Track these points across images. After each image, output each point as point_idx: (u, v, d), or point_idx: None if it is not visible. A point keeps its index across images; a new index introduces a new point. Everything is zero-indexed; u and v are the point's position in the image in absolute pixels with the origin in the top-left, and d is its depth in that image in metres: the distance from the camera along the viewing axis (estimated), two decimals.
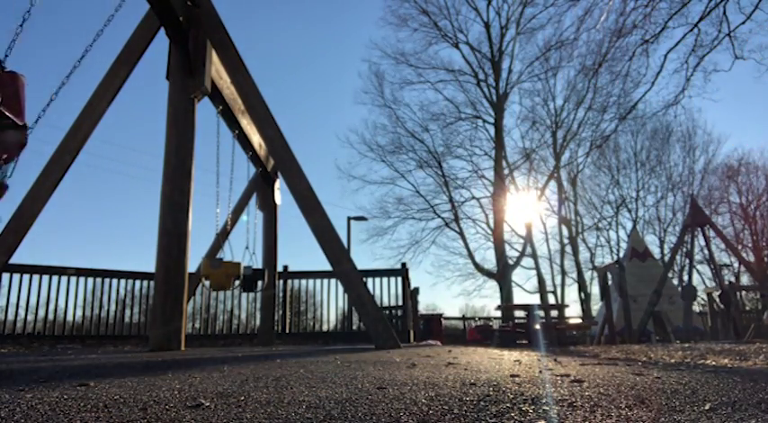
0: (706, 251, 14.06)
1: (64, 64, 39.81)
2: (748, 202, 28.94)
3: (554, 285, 27.68)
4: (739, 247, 25.80)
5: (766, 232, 28.71)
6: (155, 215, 4.42)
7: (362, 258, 42.64)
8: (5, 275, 6.89)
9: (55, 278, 7.47)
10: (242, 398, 1.21)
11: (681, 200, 28.46)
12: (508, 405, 1.10)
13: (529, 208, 25.60)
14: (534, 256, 25.36)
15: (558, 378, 1.58)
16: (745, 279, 22.84)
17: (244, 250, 5.89)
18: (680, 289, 12.58)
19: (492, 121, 23.74)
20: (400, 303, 8.80)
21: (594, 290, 25.62)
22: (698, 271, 24.39)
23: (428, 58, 24.52)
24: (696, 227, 11.45)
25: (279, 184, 7.16)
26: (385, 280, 8.75)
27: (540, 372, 1.80)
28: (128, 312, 8.56)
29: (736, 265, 23.83)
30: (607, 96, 21.16)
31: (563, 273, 27.82)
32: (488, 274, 23.61)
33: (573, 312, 25.56)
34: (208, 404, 1.13)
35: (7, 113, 2.77)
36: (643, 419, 0.97)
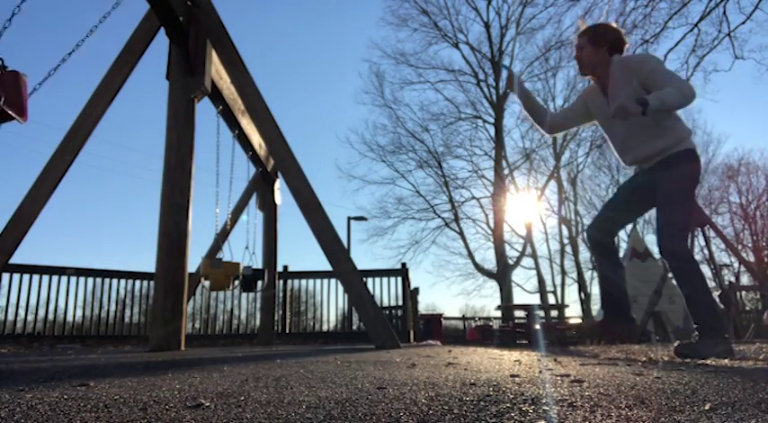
0: (706, 251, 14.04)
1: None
2: (748, 202, 28.97)
3: (554, 285, 27.71)
4: (739, 247, 25.80)
5: (766, 232, 28.73)
6: (155, 215, 4.42)
7: (362, 258, 42.71)
8: (5, 275, 6.90)
9: (55, 278, 7.48)
10: (242, 398, 1.21)
11: None
12: (508, 405, 1.10)
13: (529, 208, 25.60)
14: (534, 256, 25.39)
15: (558, 378, 1.58)
16: (745, 279, 22.84)
17: (244, 250, 5.89)
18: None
19: (492, 121, 23.77)
20: (400, 303, 8.80)
21: (594, 290, 25.65)
22: None
23: (428, 58, 24.63)
24: (696, 227, 11.44)
25: (279, 184, 7.16)
26: (385, 280, 8.76)
27: (540, 372, 1.80)
28: (128, 312, 8.57)
29: (736, 265, 23.82)
30: None
31: (563, 273, 27.84)
32: (488, 274, 23.63)
33: (573, 312, 25.58)
34: (208, 404, 1.13)
35: (10, 112, 2.78)
36: (643, 419, 0.97)
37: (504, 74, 3.45)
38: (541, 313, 9.22)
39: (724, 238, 12.35)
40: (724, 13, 10.05)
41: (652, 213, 3.13)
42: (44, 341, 7.05)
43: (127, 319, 8.56)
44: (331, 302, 8.73)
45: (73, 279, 7.58)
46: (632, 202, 3.11)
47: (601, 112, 3.12)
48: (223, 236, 5.98)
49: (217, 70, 4.87)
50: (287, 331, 8.51)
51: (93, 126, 4.79)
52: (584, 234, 3.30)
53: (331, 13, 44.34)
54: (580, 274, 26.87)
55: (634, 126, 2.95)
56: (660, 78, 2.80)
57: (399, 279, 8.75)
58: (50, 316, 7.51)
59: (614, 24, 3.23)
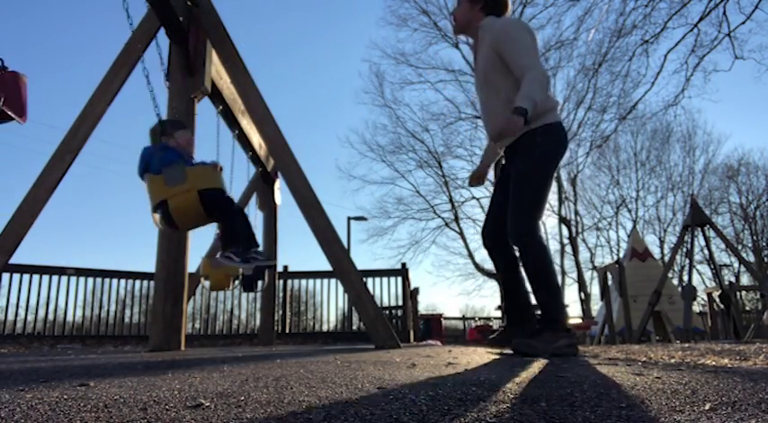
0: (706, 251, 14.07)
1: (62, 63, 39.79)
2: (748, 202, 28.99)
3: None
4: (739, 247, 25.82)
5: (766, 232, 28.73)
6: None
7: (362, 258, 42.77)
8: (5, 275, 6.90)
9: (55, 278, 7.48)
10: (242, 398, 1.21)
11: (681, 200, 28.55)
12: (508, 405, 1.10)
13: None
14: None
15: (558, 378, 1.58)
16: (745, 279, 22.85)
17: None
18: (680, 289, 12.59)
19: None
20: (400, 303, 8.81)
21: (594, 290, 25.69)
22: (698, 271, 24.46)
23: (428, 58, 24.68)
24: (696, 227, 11.45)
25: (279, 184, 7.16)
26: (385, 280, 8.76)
27: (540, 372, 1.80)
28: (128, 312, 8.58)
29: (736, 265, 23.83)
30: (607, 96, 21.21)
31: (563, 273, 27.86)
32: (488, 274, 23.64)
33: (573, 312, 25.59)
34: (208, 404, 1.13)
35: (9, 112, 2.78)
36: (643, 419, 0.97)
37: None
38: None
39: (724, 238, 12.36)
40: (724, 13, 10.07)
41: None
42: (44, 341, 7.05)
43: (127, 319, 8.57)
44: (331, 302, 8.75)
45: (73, 279, 7.59)
46: (507, 194, 2.79)
47: (475, 76, 2.91)
48: None
49: (217, 70, 4.86)
50: (287, 331, 8.51)
51: (93, 126, 4.79)
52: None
53: (331, 12, 44.38)
54: (580, 274, 26.90)
55: (488, 99, 2.69)
56: (513, 51, 2.57)
57: (399, 279, 8.75)
58: (50, 316, 7.52)
59: None
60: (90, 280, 7.76)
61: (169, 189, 3.00)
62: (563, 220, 27.33)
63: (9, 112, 2.79)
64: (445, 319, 17.49)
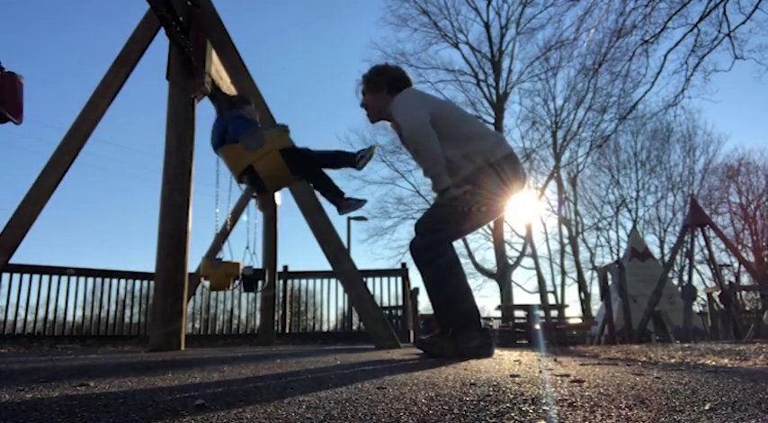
0: (706, 251, 14.07)
1: (62, 63, 39.81)
2: (748, 202, 28.99)
3: (554, 285, 27.72)
4: (739, 247, 25.82)
5: (766, 232, 28.72)
6: (155, 215, 4.43)
7: (362, 258, 42.78)
8: (5, 275, 6.90)
9: (55, 278, 7.47)
10: (242, 398, 1.21)
11: (681, 200, 28.53)
12: (508, 405, 1.10)
13: (529, 208, 25.62)
14: (534, 256, 25.39)
15: (558, 378, 1.58)
16: (745, 279, 22.85)
17: (244, 250, 5.88)
18: (680, 289, 12.58)
19: (492, 121, 23.74)
20: (400, 303, 8.80)
21: (594, 290, 25.70)
22: (698, 271, 24.44)
23: (428, 58, 24.59)
24: (696, 227, 11.45)
25: None
26: (385, 280, 8.75)
27: (540, 372, 1.80)
28: (128, 312, 8.56)
29: (736, 265, 23.83)
30: (607, 96, 21.17)
31: (563, 273, 27.86)
32: (488, 274, 23.63)
33: (573, 312, 25.61)
34: (208, 404, 1.13)
35: (6, 113, 2.78)
36: (643, 419, 0.97)
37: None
38: (541, 313, 9.23)
39: (724, 238, 12.37)
40: (724, 13, 10.06)
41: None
42: (44, 341, 7.05)
43: (127, 319, 8.56)
44: (331, 302, 8.73)
45: (73, 279, 7.58)
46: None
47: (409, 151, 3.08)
48: (223, 236, 5.98)
49: (217, 70, 4.87)
50: (287, 331, 8.50)
51: (93, 126, 4.79)
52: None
53: (331, 12, 44.39)
54: (580, 274, 26.89)
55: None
56: (401, 122, 2.71)
57: (399, 279, 8.75)
58: (50, 316, 7.51)
59: (392, 65, 3.11)
60: (90, 280, 7.75)
61: (251, 154, 3.09)
62: (563, 220, 27.34)
63: (5, 113, 2.78)
64: None
